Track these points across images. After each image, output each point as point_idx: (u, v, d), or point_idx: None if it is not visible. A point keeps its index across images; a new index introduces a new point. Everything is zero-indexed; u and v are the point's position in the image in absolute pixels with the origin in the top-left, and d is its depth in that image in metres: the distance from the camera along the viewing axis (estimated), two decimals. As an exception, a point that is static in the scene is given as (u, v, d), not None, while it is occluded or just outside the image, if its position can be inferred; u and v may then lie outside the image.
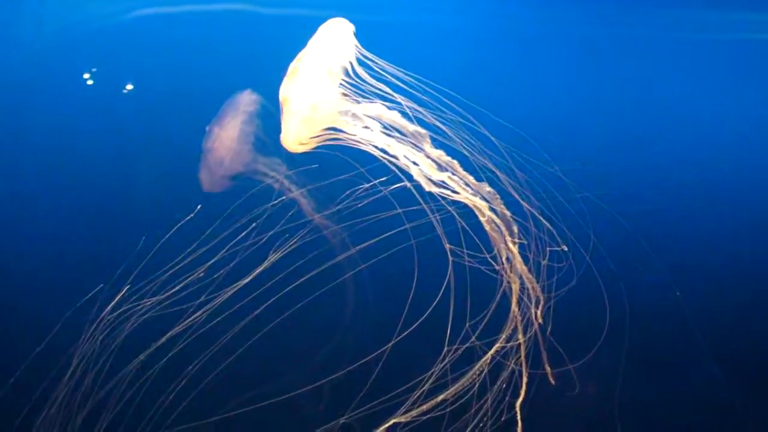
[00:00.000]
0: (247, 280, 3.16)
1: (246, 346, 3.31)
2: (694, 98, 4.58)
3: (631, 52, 4.61)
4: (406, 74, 2.82)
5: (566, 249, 3.23)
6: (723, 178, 4.45)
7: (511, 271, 2.97)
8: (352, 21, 3.01)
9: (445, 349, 3.00)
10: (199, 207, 3.43)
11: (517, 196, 3.13)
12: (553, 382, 3.08)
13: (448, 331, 3.05)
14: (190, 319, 3.16)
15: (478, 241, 3.10)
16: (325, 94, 2.67)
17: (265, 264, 3.16)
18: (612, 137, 4.42)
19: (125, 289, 3.30)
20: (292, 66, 2.66)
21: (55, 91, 3.97)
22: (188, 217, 3.41)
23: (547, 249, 3.18)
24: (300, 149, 2.77)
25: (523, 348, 3.06)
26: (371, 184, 3.02)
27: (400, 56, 3.02)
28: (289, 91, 2.62)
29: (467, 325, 3.00)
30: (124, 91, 3.93)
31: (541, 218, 3.20)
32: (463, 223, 3.03)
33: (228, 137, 3.36)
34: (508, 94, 4.20)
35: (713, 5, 4.64)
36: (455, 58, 4.20)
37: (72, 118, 3.96)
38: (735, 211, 4.41)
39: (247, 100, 3.41)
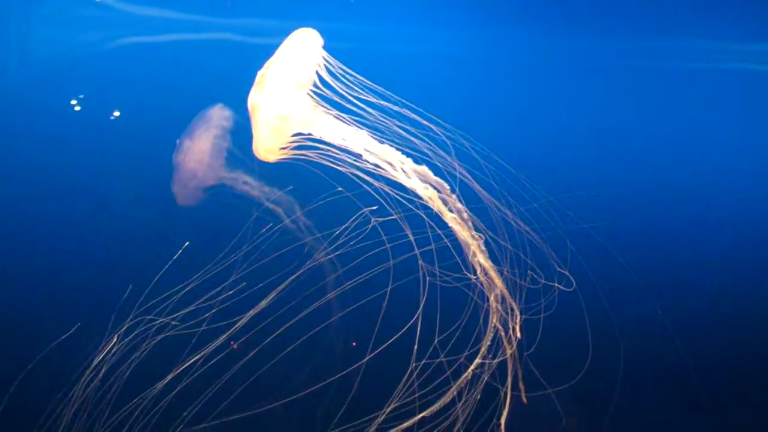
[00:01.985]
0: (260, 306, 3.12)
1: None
2: (688, 127, 4.58)
3: (629, 82, 4.63)
4: (374, 85, 2.82)
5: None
6: (718, 206, 4.43)
7: (489, 289, 2.92)
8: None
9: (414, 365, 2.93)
10: (187, 244, 3.42)
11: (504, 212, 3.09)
12: (525, 401, 3.00)
13: (415, 348, 2.99)
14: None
15: (459, 260, 3.06)
16: (293, 102, 2.67)
17: (274, 294, 3.12)
18: (608, 164, 4.42)
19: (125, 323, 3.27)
20: (260, 74, 2.66)
21: (40, 118, 4.00)
22: (176, 255, 3.39)
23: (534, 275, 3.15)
24: (271, 158, 2.75)
25: (510, 365, 2.99)
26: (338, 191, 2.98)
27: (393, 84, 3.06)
28: (257, 99, 2.62)
29: (435, 341, 2.94)
30: (111, 118, 3.95)
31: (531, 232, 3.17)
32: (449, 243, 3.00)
33: (200, 150, 3.36)
34: (501, 125, 4.22)
35: (710, 35, 4.67)
36: (451, 87, 4.24)
37: (57, 145, 3.99)
38: (723, 237, 4.38)
39: (219, 115, 3.41)
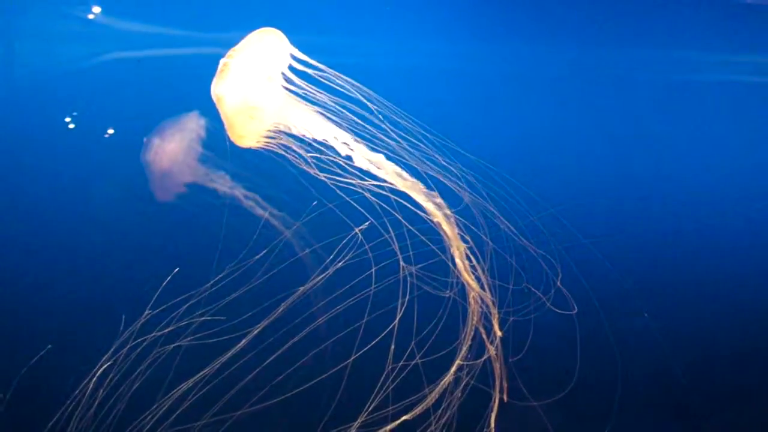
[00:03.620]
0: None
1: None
2: (687, 139, 4.55)
3: (625, 93, 4.62)
4: (342, 78, 2.78)
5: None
6: (716, 218, 4.37)
7: (470, 290, 2.82)
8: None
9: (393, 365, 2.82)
10: (176, 270, 3.36)
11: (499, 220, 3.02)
12: (506, 399, 2.88)
13: (392, 348, 2.88)
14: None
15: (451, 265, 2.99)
16: (259, 91, 2.62)
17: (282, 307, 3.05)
18: (605, 176, 4.38)
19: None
20: (222, 62, 2.63)
21: (24, 133, 3.99)
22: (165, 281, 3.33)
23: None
24: (246, 144, 2.70)
25: (497, 367, 2.89)
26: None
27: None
28: (220, 89, 2.57)
29: (413, 343, 2.83)
30: (106, 136, 3.94)
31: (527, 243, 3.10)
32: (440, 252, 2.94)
33: (173, 150, 3.31)
34: (497, 134, 4.19)
35: (699, 47, 4.66)
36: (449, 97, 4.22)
37: (42, 159, 3.98)
38: (717, 245, 4.32)
39: (192, 118, 3.38)
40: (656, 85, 4.66)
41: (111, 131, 3.94)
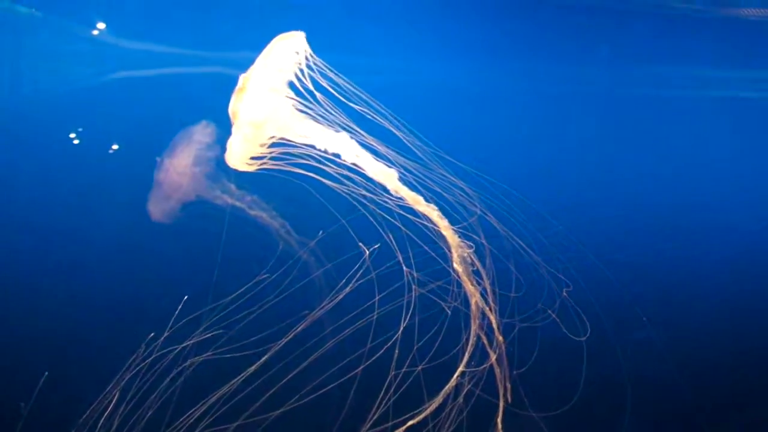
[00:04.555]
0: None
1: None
2: (692, 155, 4.58)
3: (628, 110, 4.65)
4: (364, 94, 2.81)
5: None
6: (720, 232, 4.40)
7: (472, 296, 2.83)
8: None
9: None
10: (185, 298, 3.36)
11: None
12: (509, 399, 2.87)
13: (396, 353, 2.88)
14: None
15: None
16: (278, 109, 2.64)
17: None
18: (612, 192, 4.41)
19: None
20: (241, 80, 2.65)
21: (33, 152, 4.01)
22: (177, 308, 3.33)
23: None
24: (252, 167, 2.72)
25: (503, 380, 2.89)
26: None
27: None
28: (238, 106, 2.60)
29: (414, 349, 2.84)
30: (110, 151, 3.96)
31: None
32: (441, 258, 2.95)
33: (182, 164, 3.34)
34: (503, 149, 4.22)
35: (699, 63, 4.70)
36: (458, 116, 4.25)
37: (49, 177, 4.00)
38: (719, 258, 4.34)
39: (202, 131, 3.40)
40: (660, 101, 4.69)
41: (115, 147, 3.96)
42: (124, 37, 4.07)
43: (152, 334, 3.20)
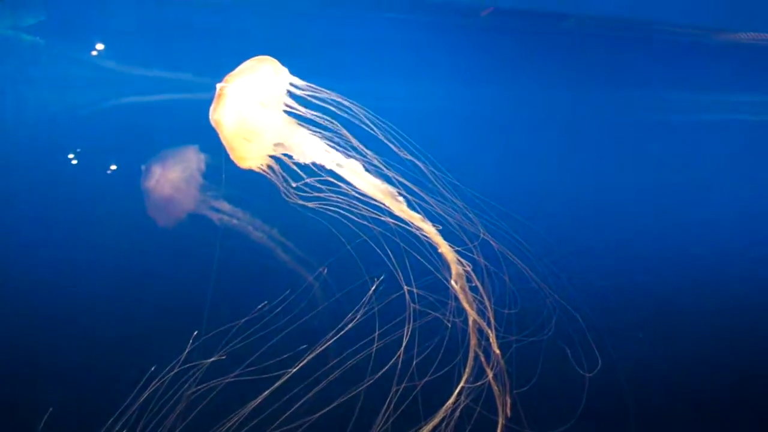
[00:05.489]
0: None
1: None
2: (687, 178, 4.56)
3: (621, 135, 4.64)
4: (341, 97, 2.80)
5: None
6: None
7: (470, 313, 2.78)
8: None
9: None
10: (195, 333, 3.34)
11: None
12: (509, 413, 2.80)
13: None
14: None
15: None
16: (258, 114, 2.65)
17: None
18: (611, 215, 4.39)
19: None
20: (219, 87, 2.67)
21: (37, 178, 4.03)
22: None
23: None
24: (248, 166, 2.71)
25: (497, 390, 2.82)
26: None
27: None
28: (218, 114, 2.61)
29: (413, 364, 2.78)
30: (108, 172, 3.97)
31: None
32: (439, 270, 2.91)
33: (175, 177, 3.33)
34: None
35: (698, 88, 4.71)
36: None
37: (52, 203, 4.02)
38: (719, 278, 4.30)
39: (194, 149, 3.41)
40: (654, 125, 4.69)
41: (114, 167, 3.98)
42: (127, 63, 4.10)
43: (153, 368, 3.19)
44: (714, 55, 4.71)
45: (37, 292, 3.85)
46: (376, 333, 3.02)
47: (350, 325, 3.03)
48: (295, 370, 3.06)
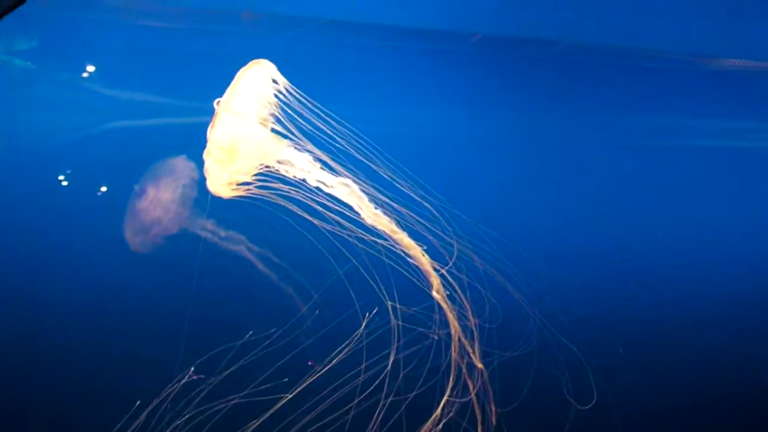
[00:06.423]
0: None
1: None
2: (677, 201, 4.60)
3: (621, 160, 4.69)
4: (344, 124, 2.85)
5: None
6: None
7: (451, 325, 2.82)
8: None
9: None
10: (191, 369, 3.36)
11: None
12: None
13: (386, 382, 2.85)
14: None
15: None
16: (253, 136, 2.69)
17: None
18: (605, 241, 4.42)
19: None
20: (216, 109, 2.70)
21: (27, 202, 4.06)
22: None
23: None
24: (232, 193, 2.74)
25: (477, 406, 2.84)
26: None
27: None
28: (214, 135, 2.65)
29: (400, 375, 2.80)
30: (99, 194, 4.01)
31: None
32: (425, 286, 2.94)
33: (166, 198, 3.36)
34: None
35: (697, 113, 4.77)
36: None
37: (42, 227, 4.04)
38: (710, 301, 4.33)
39: (185, 166, 3.44)
40: (646, 150, 4.74)
41: (104, 189, 4.02)
42: (118, 88, 4.16)
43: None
44: (703, 81, 4.78)
45: (27, 313, 3.87)
46: (364, 348, 3.05)
47: (341, 349, 3.05)
48: (290, 396, 3.07)
